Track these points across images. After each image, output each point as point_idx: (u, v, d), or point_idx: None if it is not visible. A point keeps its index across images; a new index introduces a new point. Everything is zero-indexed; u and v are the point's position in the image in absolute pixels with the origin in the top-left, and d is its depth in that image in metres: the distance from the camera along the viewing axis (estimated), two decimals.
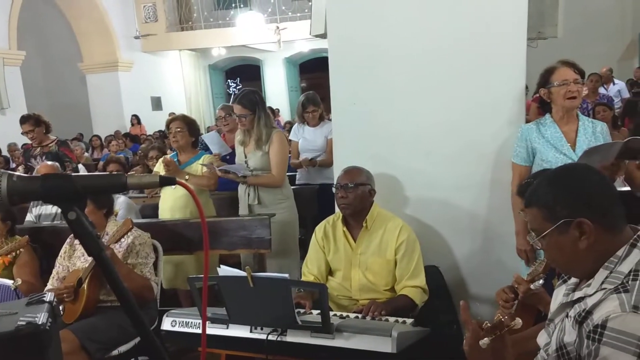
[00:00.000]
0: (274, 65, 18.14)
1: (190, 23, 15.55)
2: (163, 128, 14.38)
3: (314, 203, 4.42)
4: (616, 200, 1.37)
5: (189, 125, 3.87)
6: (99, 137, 10.56)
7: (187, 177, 3.71)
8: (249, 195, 3.66)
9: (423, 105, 2.89)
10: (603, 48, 11.73)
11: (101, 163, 8.99)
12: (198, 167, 3.82)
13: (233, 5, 15.61)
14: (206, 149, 4.87)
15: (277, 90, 18.30)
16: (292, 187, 3.99)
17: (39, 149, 4.93)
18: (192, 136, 3.89)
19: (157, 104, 15.32)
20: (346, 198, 2.65)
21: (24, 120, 4.93)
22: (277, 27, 14.65)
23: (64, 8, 13.02)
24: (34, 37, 12.46)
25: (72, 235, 2.96)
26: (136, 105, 14.07)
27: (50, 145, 4.92)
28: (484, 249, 2.90)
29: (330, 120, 4.77)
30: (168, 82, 15.96)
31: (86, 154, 9.56)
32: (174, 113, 14.76)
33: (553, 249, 1.40)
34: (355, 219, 2.71)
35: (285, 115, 17.24)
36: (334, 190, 2.74)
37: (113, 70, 13.66)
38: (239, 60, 18.49)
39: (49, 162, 4.30)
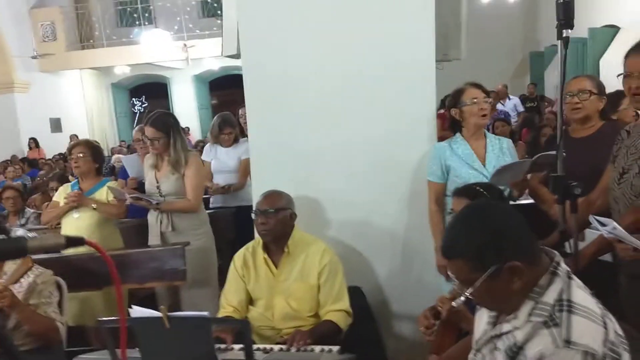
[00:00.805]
0: (182, 82, 17.72)
1: (91, 41, 14.87)
2: (63, 151, 13.63)
3: (232, 227, 4.29)
4: (528, 230, 1.35)
5: (92, 150, 3.67)
6: None
7: (94, 205, 3.50)
8: (161, 222, 3.50)
9: (340, 127, 2.89)
10: (498, 67, 12.55)
11: None
12: (102, 195, 3.60)
13: (137, 23, 15.14)
14: (110, 174, 4.60)
15: (187, 109, 17.86)
16: (207, 211, 3.85)
17: None
18: (96, 162, 3.68)
19: (56, 125, 14.46)
20: (267, 224, 2.57)
21: None
22: (185, 45, 14.36)
23: None
24: None
25: None
26: (34, 128, 13.21)
27: None
28: (405, 267, 2.92)
29: (244, 140, 4.68)
30: (68, 102, 15.12)
31: None
32: (75, 135, 14.05)
33: (484, 295, 1.35)
34: (277, 245, 2.64)
35: (195, 134, 16.85)
36: (253, 216, 2.66)
37: (8, 91, 12.75)
38: (144, 78, 17.89)
39: None
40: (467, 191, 2.28)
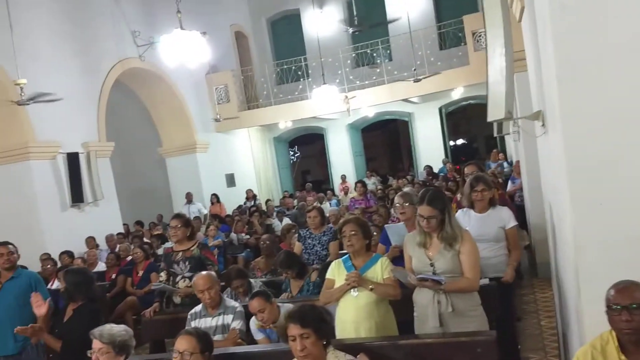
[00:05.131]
0: (338, 132, 18.12)
1: (260, 100, 15.77)
2: (238, 204, 14.36)
3: (494, 302, 3.97)
4: None
5: (362, 227, 3.64)
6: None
7: (371, 286, 3.45)
8: (439, 302, 3.34)
9: None
10: None
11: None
12: (377, 272, 3.54)
13: (301, 79, 15.78)
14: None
15: (342, 157, 18.17)
16: None
17: (180, 254, 4.73)
18: (366, 238, 3.64)
19: (231, 180, 15.41)
20: (632, 322, 2.23)
21: (176, 216, 4.91)
22: (346, 97, 14.62)
23: (143, 97, 13.40)
24: (115, 127, 12.70)
25: None
26: (213, 184, 14.16)
27: (192, 249, 4.73)
28: None
29: (501, 207, 4.35)
30: (239, 158, 16.11)
31: None
32: (251, 190, 14.82)
33: None
34: (638, 347, 2.28)
35: (351, 181, 16.94)
36: (606, 310, 2.33)
37: (192, 152, 13.87)
38: (303, 130, 18.54)
39: (204, 273, 4.09)
40: None
